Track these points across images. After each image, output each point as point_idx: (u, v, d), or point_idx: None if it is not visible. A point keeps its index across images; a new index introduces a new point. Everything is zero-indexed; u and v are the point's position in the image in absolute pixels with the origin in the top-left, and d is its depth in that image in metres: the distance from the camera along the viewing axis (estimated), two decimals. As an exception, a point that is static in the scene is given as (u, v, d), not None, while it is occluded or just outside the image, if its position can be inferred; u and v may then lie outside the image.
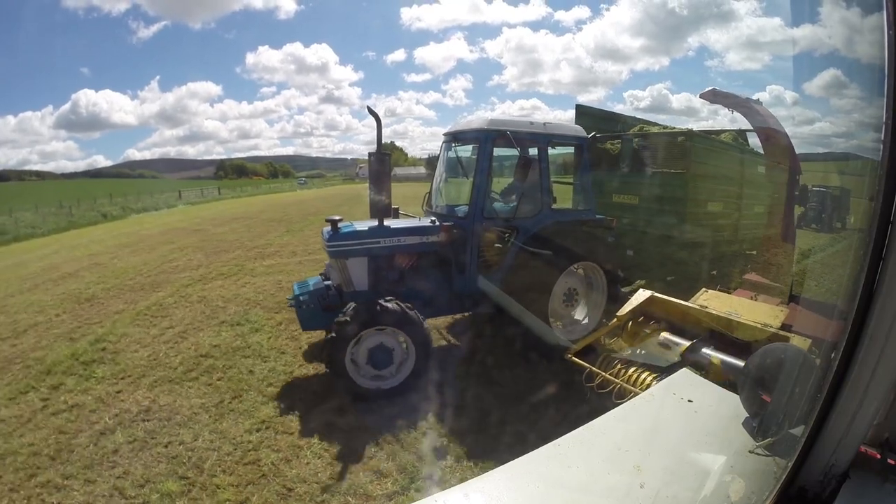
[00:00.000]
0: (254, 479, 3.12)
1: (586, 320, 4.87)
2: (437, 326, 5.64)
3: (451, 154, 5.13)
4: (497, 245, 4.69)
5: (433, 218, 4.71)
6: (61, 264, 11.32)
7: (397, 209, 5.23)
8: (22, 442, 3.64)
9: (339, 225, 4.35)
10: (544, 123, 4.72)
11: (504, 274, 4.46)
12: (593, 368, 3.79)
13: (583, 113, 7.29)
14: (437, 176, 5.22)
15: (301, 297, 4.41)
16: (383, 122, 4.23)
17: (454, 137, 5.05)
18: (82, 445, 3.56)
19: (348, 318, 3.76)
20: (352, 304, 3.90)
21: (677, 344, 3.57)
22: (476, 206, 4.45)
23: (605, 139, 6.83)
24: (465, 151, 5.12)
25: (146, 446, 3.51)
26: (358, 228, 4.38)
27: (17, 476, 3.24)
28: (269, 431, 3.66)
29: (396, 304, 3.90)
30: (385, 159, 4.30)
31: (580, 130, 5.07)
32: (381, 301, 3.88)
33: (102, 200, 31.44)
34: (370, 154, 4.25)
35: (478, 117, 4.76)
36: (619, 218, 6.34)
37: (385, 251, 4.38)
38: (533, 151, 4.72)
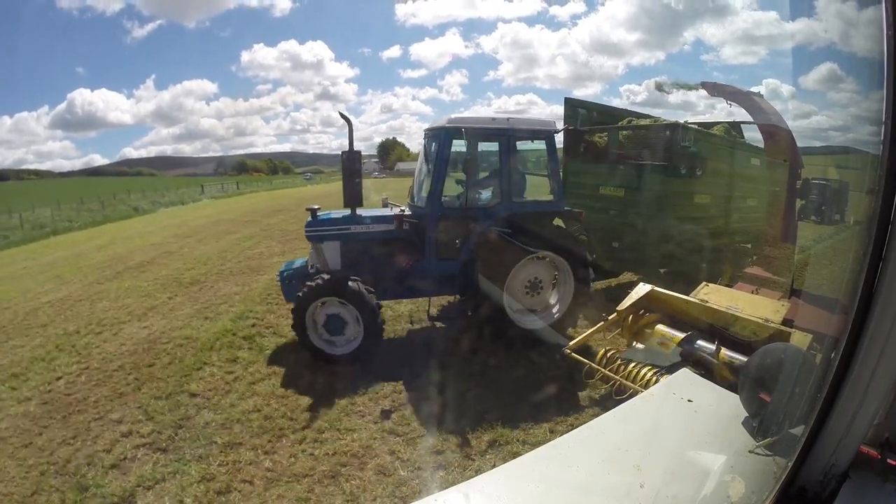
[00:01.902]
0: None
1: (554, 309, 5.03)
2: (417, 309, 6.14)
3: (427, 149, 5.44)
4: (456, 234, 5.00)
5: (402, 208, 5.21)
6: (127, 254, 11.67)
7: (386, 199, 5.76)
8: (244, 408, 4.04)
9: (318, 213, 5.02)
10: (507, 118, 4.97)
11: (461, 260, 4.87)
12: (593, 364, 3.78)
13: (572, 106, 7.26)
14: (417, 170, 5.55)
15: (285, 274, 5.16)
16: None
17: (428, 134, 5.38)
18: (314, 406, 4.01)
19: (313, 285, 4.45)
20: (322, 275, 4.56)
21: (674, 336, 3.55)
22: (434, 198, 4.87)
23: (593, 131, 6.88)
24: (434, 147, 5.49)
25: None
26: (332, 216, 5.03)
27: (264, 439, 3.63)
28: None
29: (357, 284, 4.47)
30: (356, 157, 4.77)
31: (548, 123, 5.19)
32: (345, 278, 4.49)
33: (122, 197, 31.90)
34: (343, 153, 4.72)
35: (448, 116, 5.08)
36: (606, 210, 6.50)
37: (355, 236, 4.95)
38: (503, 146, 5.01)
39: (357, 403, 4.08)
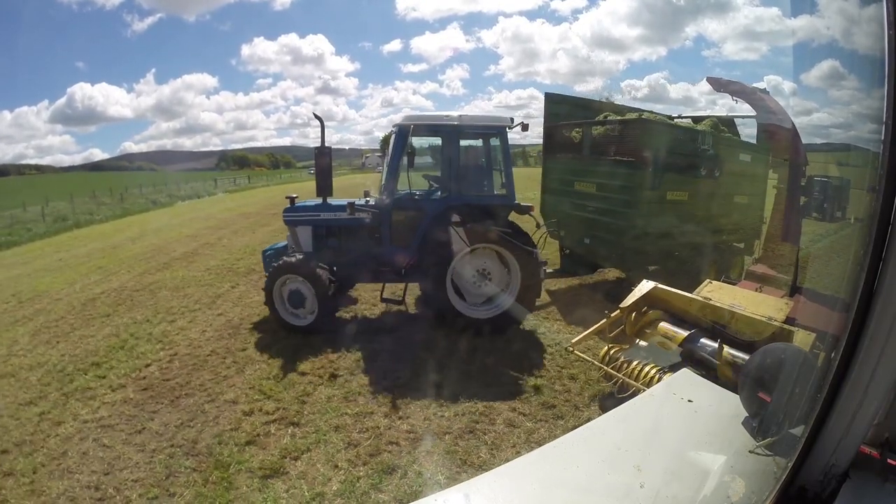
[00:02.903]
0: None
1: (502, 299, 5.30)
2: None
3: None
4: (409, 224, 5.38)
5: (367, 200, 5.61)
6: (166, 246, 11.85)
7: (368, 191, 6.06)
8: (359, 382, 4.42)
9: (295, 201, 5.67)
10: (459, 116, 5.33)
11: (412, 249, 5.27)
12: (595, 362, 3.79)
13: (553, 101, 7.22)
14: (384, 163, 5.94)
15: (268, 252, 5.86)
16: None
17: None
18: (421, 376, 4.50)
19: (278, 264, 5.18)
20: (287, 256, 5.27)
21: (676, 334, 3.53)
22: (387, 190, 5.30)
23: (570, 127, 6.83)
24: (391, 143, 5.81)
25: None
26: (306, 204, 5.65)
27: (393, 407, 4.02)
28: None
29: (313, 265, 5.13)
30: (326, 152, 5.36)
31: (500, 120, 5.46)
32: (304, 259, 5.16)
33: (133, 190, 31.89)
34: (315, 149, 5.35)
35: (403, 114, 5.49)
36: (581, 206, 6.57)
37: (323, 222, 5.50)
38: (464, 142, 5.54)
39: (472, 373, 4.49)
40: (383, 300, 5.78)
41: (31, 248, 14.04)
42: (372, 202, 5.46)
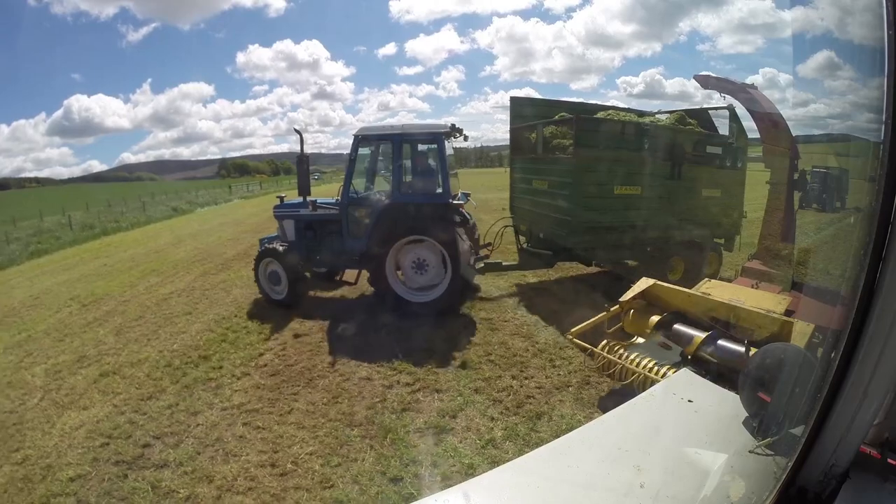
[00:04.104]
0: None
1: (436, 286, 6.01)
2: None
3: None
4: (361, 219, 6.21)
5: (338, 199, 6.46)
6: (212, 249, 12.15)
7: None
8: (476, 353, 4.98)
9: (284, 199, 6.89)
10: (402, 125, 6.18)
11: (363, 241, 6.07)
12: (595, 350, 3.82)
13: (517, 104, 7.58)
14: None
15: (264, 241, 6.78)
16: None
17: None
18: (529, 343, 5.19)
19: (261, 249, 6.49)
20: (269, 244, 6.45)
21: (684, 333, 3.51)
22: (345, 191, 6.22)
23: (528, 128, 7.22)
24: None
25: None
26: (291, 203, 6.79)
27: (515, 370, 4.60)
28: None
29: (284, 251, 6.28)
30: (306, 159, 6.56)
31: (438, 127, 6.05)
32: (278, 247, 6.33)
33: (146, 200, 32.30)
34: (297, 156, 6.52)
35: (361, 126, 6.33)
36: (536, 202, 7.12)
37: (303, 217, 6.54)
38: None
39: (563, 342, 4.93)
40: (337, 280, 6.95)
41: (63, 255, 14.16)
42: (333, 201, 6.55)
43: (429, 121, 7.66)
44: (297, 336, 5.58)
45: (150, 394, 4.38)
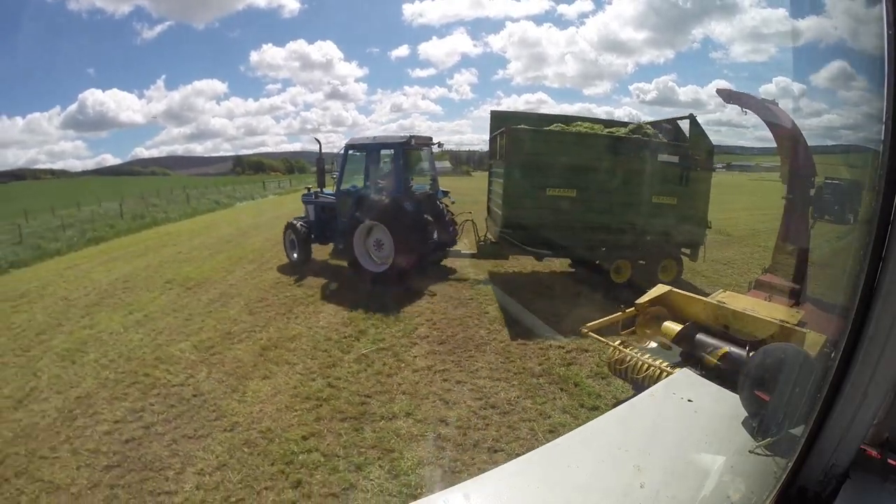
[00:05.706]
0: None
1: (388, 260, 7.37)
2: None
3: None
4: (348, 208, 7.87)
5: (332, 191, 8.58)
6: (277, 238, 12.08)
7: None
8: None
9: (309, 190, 9.22)
10: (374, 136, 8.23)
11: (347, 223, 7.71)
12: (610, 343, 3.89)
13: (496, 117, 8.46)
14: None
15: (293, 221, 8.97)
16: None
17: None
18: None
19: (285, 225, 9.04)
20: (294, 221, 8.88)
21: (709, 344, 3.53)
22: (338, 185, 8.31)
23: (494, 139, 8.23)
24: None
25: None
26: (312, 192, 9.02)
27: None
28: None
29: (299, 227, 8.68)
30: (323, 160, 8.98)
31: (396, 138, 7.83)
32: (296, 224, 8.78)
33: (191, 192, 33.20)
34: (316, 158, 8.92)
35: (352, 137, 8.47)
36: (495, 202, 8.10)
37: (319, 204, 8.72)
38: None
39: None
40: (331, 255, 8.87)
41: (121, 242, 14.26)
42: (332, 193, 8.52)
43: (395, 133, 9.68)
44: (434, 310, 6.16)
45: (331, 363, 4.64)
